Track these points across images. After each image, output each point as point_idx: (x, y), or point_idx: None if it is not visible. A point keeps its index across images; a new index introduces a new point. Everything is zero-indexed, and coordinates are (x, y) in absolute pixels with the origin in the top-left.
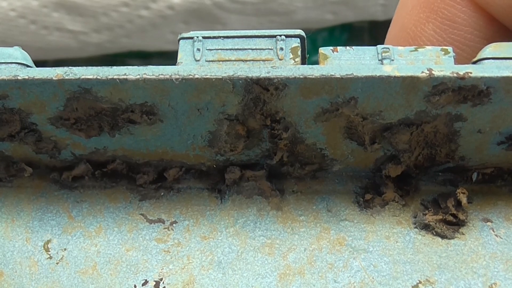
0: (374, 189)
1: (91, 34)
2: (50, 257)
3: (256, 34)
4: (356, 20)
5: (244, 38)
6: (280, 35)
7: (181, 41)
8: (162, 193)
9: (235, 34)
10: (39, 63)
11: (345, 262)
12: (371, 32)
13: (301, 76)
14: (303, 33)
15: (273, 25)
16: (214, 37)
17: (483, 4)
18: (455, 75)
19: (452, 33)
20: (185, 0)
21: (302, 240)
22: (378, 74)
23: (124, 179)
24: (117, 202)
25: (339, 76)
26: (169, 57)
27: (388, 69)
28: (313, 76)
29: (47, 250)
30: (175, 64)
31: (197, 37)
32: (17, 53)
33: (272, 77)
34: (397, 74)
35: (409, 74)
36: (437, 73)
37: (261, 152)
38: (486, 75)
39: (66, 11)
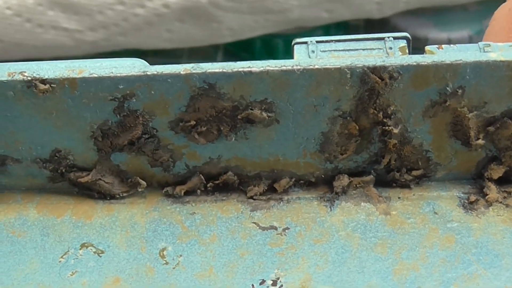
0: (477, 192)
1: (87, 33)
2: (167, 263)
3: (366, 37)
4: (352, 19)
5: (354, 41)
6: (388, 37)
7: (295, 45)
8: (272, 204)
9: (346, 38)
10: None
11: (457, 257)
12: (367, 31)
13: (414, 63)
14: (408, 35)
15: (269, 24)
16: (326, 41)
17: None
18: None
19: None
20: None
21: (412, 240)
22: (485, 59)
23: (234, 193)
24: (229, 213)
25: (449, 62)
26: (165, 56)
27: (493, 55)
28: (425, 63)
29: (162, 257)
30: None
31: (311, 41)
32: (139, 63)
33: (387, 65)
34: (502, 59)
35: None
36: None
37: (369, 157)
38: None
39: (61, 9)
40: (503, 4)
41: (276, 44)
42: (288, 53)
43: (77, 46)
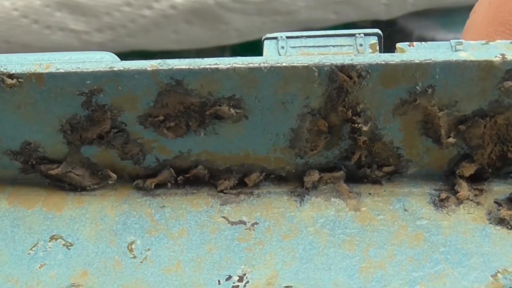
0: (448, 190)
1: (94, 34)
2: (134, 257)
3: (337, 33)
4: (359, 20)
5: (325, 37)
6: (359, 33)
7: (265, 41)
8: (242, 198)
9: (317, 34)
10: None
11: (424, 255)
12: None
13: (383, 62)
14: (380, 32)
15: (276, 25)
16: (297, 37)
17: None
18: None
19: None
20: (187, 0)
21: (381, 237)
22: (455, 59)
23: (205, 186)
24: (199, 207)
25: (418, 61)
26: (172, 57)
27: (464, 55)
28: (394, 62)
29: (131, 250)
30: None
31: (281, 37)
32: (108, 56)
33: (355, 63)
34: (473, 58)
35: (484, 58)
36: (510, 57)
37: (340, 153)
38: None
39: (68, 10)
40: None
41: None
42: None
43: (84, 47)
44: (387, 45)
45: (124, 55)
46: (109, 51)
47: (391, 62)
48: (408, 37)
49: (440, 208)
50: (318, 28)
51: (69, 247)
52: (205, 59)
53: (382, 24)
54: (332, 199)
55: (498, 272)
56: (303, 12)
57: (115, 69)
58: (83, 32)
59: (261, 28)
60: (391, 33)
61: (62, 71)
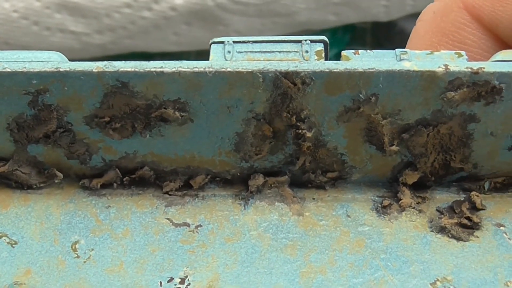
0: (391, 197)
1: (94, 36)
2: (78, 256)
3: (283, 39)
4: (359, 21)
5: (271, 43)
6: (306, 40)
7: (212, 45)
8: (187, 200)
9: (263, 39)
10: None
11: (365, 262)
12: (374, 33)
13: (327, 70)
14: (326, 39)
15: (276, 26)
16: (243, 42)
17: (492, 26)
18: (469, 70)
19: None
20: (187, 1)
21: (323, 242)
22: (398, 69)
23: (151, 187)
24: (144, 208)
25: (362, 70)
26: (172, 58)
27: (407, 65)
28: (338, 70)
29: (74, 250)
30: None
31: (228, 41)
32: (56, 56)
33: (299, 70)
34: (416, 68)
35: (427, 68)
36: (452, 68)
37: (284, 158)
38: (498, 70)
39: (68, 12)
40: (430, 5)
41: None
42: None
43: (84, 49)
44: (387, 47)
45: (124, 57)
46: (110, 53)
47: (335, 70)
48: (408, 39)
49: (382, 215)
50: (318, 29)
51: (13, 245)
52: (151, 62)
53: (382, 25)
54: (276, 203)
55: (437, 280)
56: (303, 13)
57: (61, 69)
58: (83, 33)
59: (261, 30)
60: (391, 35)
61: (9, 70)
